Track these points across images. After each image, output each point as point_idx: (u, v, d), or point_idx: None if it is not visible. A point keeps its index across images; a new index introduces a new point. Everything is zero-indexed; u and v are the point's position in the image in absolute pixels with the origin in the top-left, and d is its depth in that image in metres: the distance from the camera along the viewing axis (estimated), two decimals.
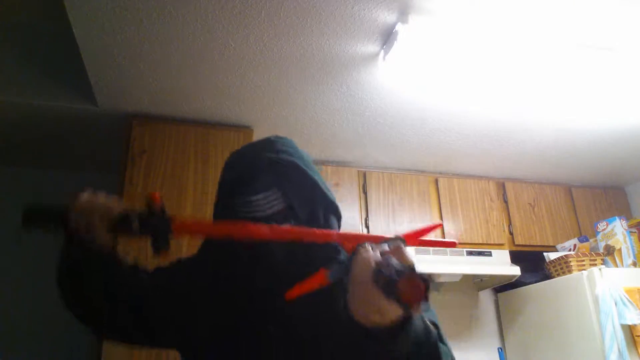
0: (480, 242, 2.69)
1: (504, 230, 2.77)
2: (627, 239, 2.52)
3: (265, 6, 1.55)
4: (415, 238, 0.76)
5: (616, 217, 2.60)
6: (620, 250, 2.53)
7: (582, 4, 1.57)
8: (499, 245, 2.70)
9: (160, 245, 0.81)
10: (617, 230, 2.56)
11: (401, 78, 1.95)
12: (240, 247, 0.83)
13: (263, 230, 0.79)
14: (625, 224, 2.57)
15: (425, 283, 0.51)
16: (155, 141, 2.12)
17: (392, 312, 0.57)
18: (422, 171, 2.83)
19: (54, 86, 2.02)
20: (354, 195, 2.59)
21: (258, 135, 2.33)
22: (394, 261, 0.57)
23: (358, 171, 2.67)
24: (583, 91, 2.08)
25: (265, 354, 0.81)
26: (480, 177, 2.90)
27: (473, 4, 1.56)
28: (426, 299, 0.51)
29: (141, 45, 1.71)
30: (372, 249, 0.61)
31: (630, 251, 2.49)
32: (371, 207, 2.59)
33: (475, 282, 2.89)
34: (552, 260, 2.58)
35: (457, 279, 2.63)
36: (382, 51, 1.77)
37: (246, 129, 2.28)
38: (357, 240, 0.67)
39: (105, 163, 2.53)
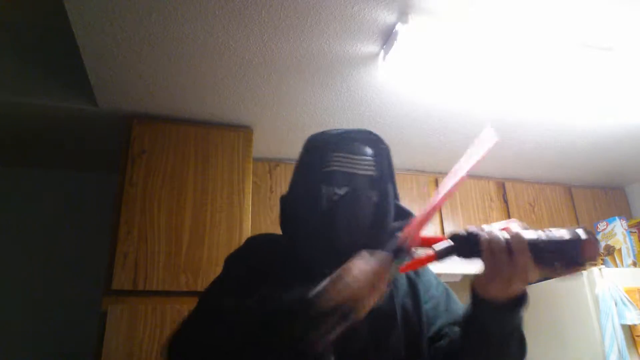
0: None
1: None
2: (627, 239, 2.52)
3: (266, 6, 1.55)
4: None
5: (616, 217, 2.60)
6: (620, 250, 2.53)
7: (582, 4, 1.57)
8: None
9: None
10: (617, 230, 2.56)
11: (401, 78, 1.95)
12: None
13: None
14: (625, 224, 2.57)
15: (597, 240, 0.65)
16: (155, 141, 2.12)
17: (531, 280, 0.71)
18: (422, 171, 2.82)
19: (54, 86, 2.02)
20: None
21: (258, 135, 2.33)
22: (547, 233, 0.68)
23: None
24: (583, 91, 2.08)
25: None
26: (480, 177, 2.90)
27: (473, 4, 1.56)
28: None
29: (141, 45, 1.71)
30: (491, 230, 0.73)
31: (630, 251, 2.49)
32: None
33: None
34: None
35: (458, 279, 2.62)
36: (382, 51, 1.77)
37: (246, 129, 2.28)
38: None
39: (105, 163, 2.53)
